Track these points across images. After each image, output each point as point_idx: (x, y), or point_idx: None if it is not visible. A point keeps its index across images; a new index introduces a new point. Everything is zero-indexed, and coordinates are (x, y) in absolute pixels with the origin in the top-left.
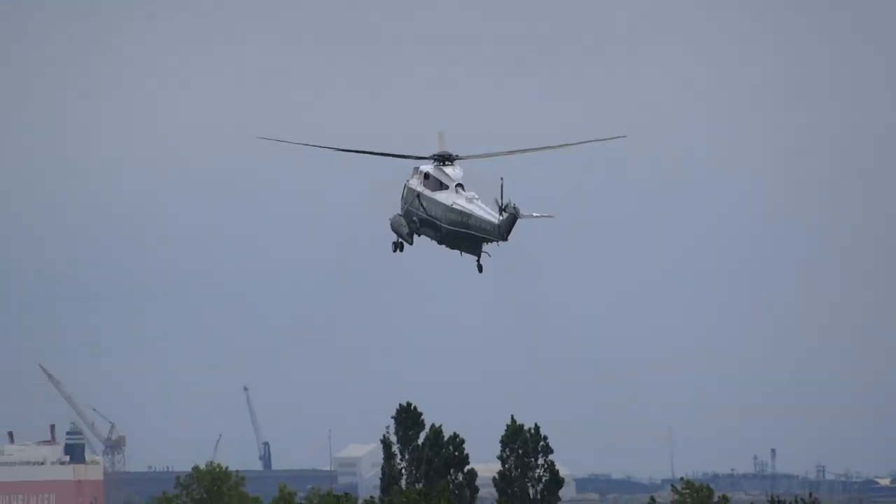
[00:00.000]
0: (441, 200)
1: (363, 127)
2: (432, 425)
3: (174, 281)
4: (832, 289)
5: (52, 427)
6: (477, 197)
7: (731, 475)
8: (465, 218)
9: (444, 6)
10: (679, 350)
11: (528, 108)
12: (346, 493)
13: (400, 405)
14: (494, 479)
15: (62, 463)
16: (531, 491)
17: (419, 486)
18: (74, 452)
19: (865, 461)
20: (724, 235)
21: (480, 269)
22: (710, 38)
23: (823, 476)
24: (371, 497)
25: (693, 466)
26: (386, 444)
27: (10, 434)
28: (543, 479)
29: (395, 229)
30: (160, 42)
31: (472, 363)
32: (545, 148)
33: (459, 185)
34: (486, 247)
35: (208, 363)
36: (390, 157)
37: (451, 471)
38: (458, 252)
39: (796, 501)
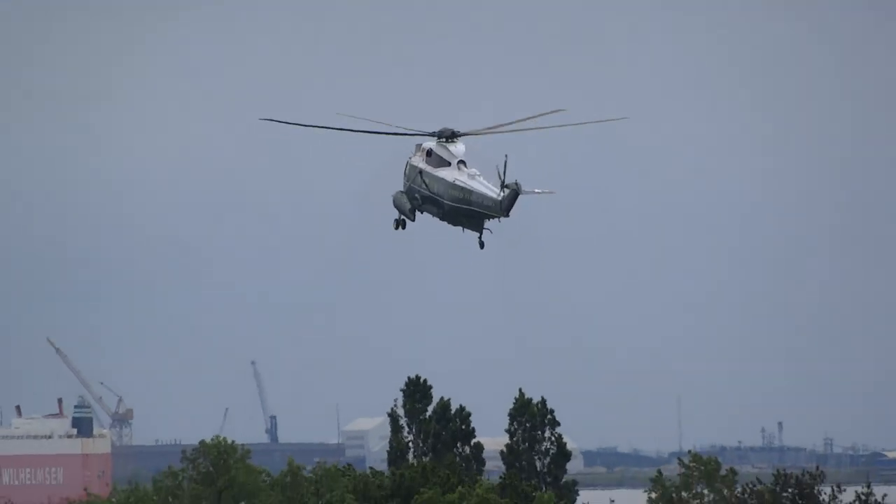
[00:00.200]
0: (443, 177)
1: (366, 106)
2: (440, 399)
3: (182, 255)
4: (841, 261)
5: (60, 401)
6: (479, 174)
7: (738, 448)
8: (466, 194)
9: None
10: (685, 323)
11: (531, 88)
12: (348, 465)
13: (409, 378)
14: (502, 452)
15: (70, 436)
16: (538, 464)
17: (426, 459)
18: (82, 426)
19: (873, 434)
20: (729, 209)
21: (482, 245)
22: (713, 18)
23: (831, 449)
24: (370, 468)
25: (700, 439)
26: (393, 417)
27: (18, 408)
28: (551, 453)
29: (397, 206)
30: (162, 24)
31: (479, 338)
32: (549, 127)
33: (462, 161)
34: (487, 223)
35: (216, 337)
36: (392, 136)
37: (458, 444)
38: (460, 228)
39: (802, 474)
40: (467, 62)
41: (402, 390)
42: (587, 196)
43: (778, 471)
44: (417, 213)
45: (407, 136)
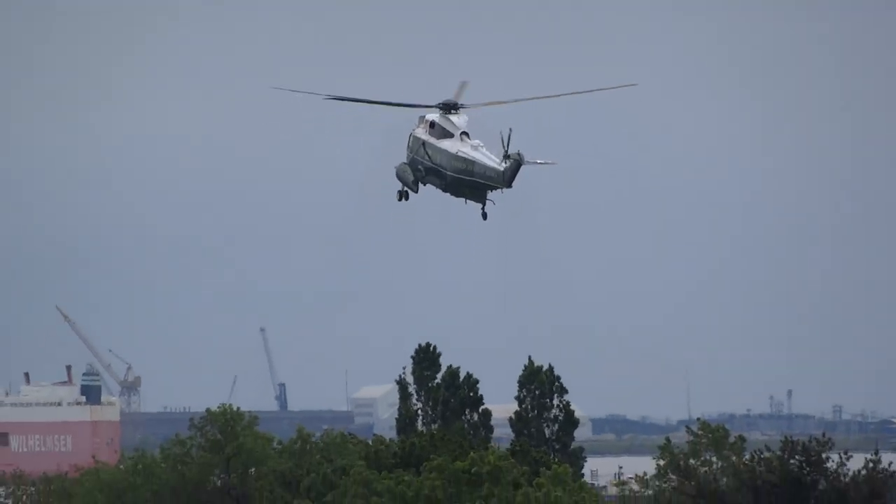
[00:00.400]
0: (446, 148)
1: (374, 79)
2: (449, 366)
3: (191, 222)
4: (849, 228)
5: (69, 368)
6: (482, 145)
7: (747, 416)
8: (469, 165)
9: None
10: (694, 291)
11: (537, 59)
12: (351, 434)
13: (419, 345)
14: (511, 419)
15: (78, 404)
16: (547, 431)
17: (435, 426)
18: (91, 393)
19: (882, 402)
20: (736, 174)
21: (485, 216)
22: None
23: (840, 416)
24: (375, 435)
25: (709, 407)
26: (402, 384)
27: (27, 375)
28: (559, 420)
29: (400, 178)
30: (162, 24)
31: (487, 308)
32: (553, 96)
33: (464, 133)
34: (490, 194)
35: (225, 305)
36: (396, 107)
37: (467, 411)
38: (462, 199)
39: (809, 441)
40: (472, 35)
41: (411, 357)
42: (590, 167)
43: (786, 438)
44: (420, 185)
45: (410, 109)
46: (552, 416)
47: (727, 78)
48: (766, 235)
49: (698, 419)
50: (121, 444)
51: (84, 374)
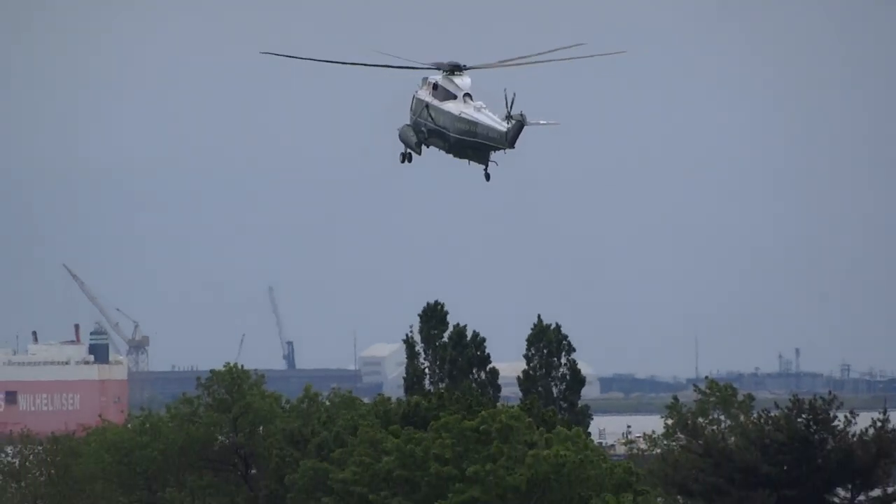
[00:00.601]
0: (449, 110)
1: (370, 41)
2: (456, 325)
3: (197, 181)
4: (856, 186)
5: (77, 327)
6: (485, 106)
7: (755, 374)
8: (472, 126)
9: None
10: (702, 249)
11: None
12: (350, 392)
13: (427, 304)
14: (519, 378)
15: (86, 363)
16: (554, 390)
17: (442, 385)
18: (98, 352)
19: (890, 360)
20: (740, 135)
21: (488, 177)
22: None
23: (848, 375)
24: (379, 395)
25: (717, 366)
26: (409, 343)
27: (34, 334)
28: (567, 378)
29: (403, 140)
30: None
31: (495, 267)
32: (552, 60)
33: (467, 94)
34: (493, 155)
35: (233, 263)
36: (399, 69)
37: (474, 370)
38: (465, 161)
39: (815, 399)
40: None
41: (419, 315)
42: (592, 127)
43: (794, 396)
44: (423, 147)
45: (413, 70)
46: (559, 374)
47: (736, 37)
48: (772, 194)
49: (706, 378)
50: (128, 403)
51: (92, 333)
